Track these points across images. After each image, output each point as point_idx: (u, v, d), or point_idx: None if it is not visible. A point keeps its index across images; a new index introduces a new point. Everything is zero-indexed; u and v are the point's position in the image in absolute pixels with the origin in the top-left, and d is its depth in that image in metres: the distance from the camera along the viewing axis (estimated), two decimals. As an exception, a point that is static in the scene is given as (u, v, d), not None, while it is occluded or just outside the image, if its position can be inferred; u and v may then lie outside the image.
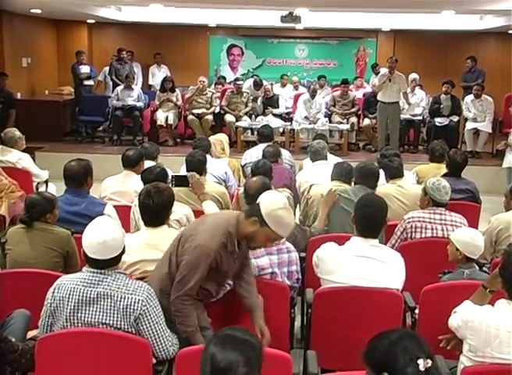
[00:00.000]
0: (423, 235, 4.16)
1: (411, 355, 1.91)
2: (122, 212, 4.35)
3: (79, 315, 2.68)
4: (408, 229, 4.21)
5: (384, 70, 9.67)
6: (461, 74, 10.92)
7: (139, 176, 4.69)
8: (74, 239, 3.67)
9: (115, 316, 2.66)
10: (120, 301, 2.65)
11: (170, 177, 4.35)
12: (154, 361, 2.74)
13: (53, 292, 2.74)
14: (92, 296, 2.67)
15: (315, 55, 13.54)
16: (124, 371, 2.66)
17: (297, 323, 4.05)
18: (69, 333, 2.71)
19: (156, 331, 2.70)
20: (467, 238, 3.43)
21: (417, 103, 10.22)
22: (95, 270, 2.71)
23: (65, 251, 3.61)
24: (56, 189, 5.99)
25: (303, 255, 3.98)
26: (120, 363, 2.64)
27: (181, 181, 4.53)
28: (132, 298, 2.65)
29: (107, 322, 2.66)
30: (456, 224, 4.14)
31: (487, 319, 2.53)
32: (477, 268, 3.45)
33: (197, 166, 4.82)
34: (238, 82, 10.37)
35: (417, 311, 3.47)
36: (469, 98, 9.79)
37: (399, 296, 3.21)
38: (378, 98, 9.34)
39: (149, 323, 2.68)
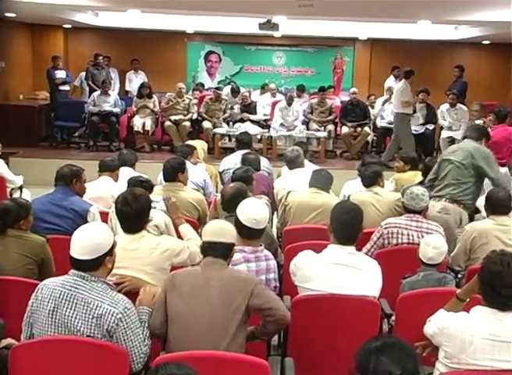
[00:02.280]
0: (399, 241, 4.22)
1: (383, 369, 1.92)
2: (100, 217, 4.35)
3: (56, 316, 2.66)
4: (385, 235, 4.26)
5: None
6: (449, 84, 11.05)
7: (115, 181, 4.71)
8: (55, 241, 3.66)
9: (89, 323, 2.64)
10: (96, 309, 2.63)
11: None
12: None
13: (36, 292, 2.74)
14: (70, 299, 2.66)
15: (293, 63, 13.60)
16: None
17: (274, 331, 4.05)
18: (43, 341, 2.69)
19: (131, 343, 2.68)
20: (423, 244, 3.69)
21: (393, 111, 10.32)
22: (79, 273, 2.71)
23: (39, 259, 3.58)
24: (31, 195, 5.92)
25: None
26: (96, 372, 2.61)
27: (171, 176, 4.67)
28: (107, 309, 2.64)
29: (81, 329, 2.64)
30: (431, 232, 4.20)
31: (462, 326, 2.56)
32: (433, 271, 3.62)
33: (170, 172, 4.83)
34: (218, 91, 10.36)
35: (393, 318, 3.51)
36: (444, 106, 9.93)
37: (376, 303, 3.23)
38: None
39: (123, 336, 2.66)
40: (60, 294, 2.67)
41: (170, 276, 2.93)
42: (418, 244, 3.92)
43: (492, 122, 6.41)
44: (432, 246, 3.66)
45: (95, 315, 2.63)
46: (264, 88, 11.74)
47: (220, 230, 2.98)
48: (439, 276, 3.58)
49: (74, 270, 2.73)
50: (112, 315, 2.63)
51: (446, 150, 5.87)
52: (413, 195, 4.28)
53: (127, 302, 2.72)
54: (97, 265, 2.74)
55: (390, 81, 11.17)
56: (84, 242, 2.73)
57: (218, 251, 2.90)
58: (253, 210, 3.37)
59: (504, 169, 6.05)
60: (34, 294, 2.75)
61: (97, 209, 4.43)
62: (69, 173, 4.44)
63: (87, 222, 4.08)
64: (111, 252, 2.82)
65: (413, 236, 4.21)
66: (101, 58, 11.42)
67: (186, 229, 3.88)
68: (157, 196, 4.31)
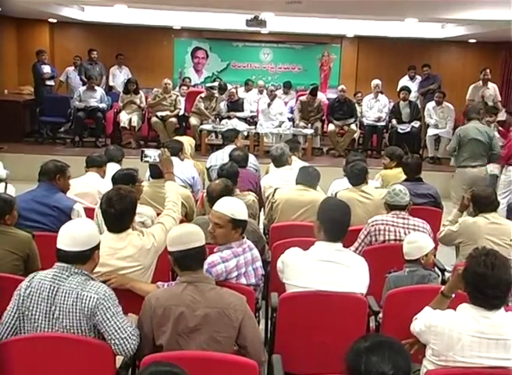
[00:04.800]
0: (386, 238, 4.26)
1: (375, 369, 1.92)
2: (86, 213, 4.32)
3: (45, 311, 2.66)
4: (372, 232, 4.29)
5: None
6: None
7: (102, 177, 4.65)
8: (40, 237, 3.64)
9: (72, 314, 2.64)
10: (77, 298, 2.65)
11: (141, 153, 4.22)
12: (118, 365, 2.71)
13: (21, 287, 2.73)
14: (58, 293, 2.66)
15: (280, 60, 13.57)
16: (87, 376, 2.62)
17: (262, 327, 4.05)
18: (30, 338, 2.67)
19: (114, 328, 2.67)
20: (404, 242, 3.74)
21: (380, 109, 10.37)
22: (62, 265, 2.71)
23: (25, 255, 3.55)
24: (15, 191, 5.86)
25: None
26: (84, 368, 2.60)
27: (158, 173, 4.49)
28: (87, 295, 2.65)
29: (63, 321, 2.65)
30: (418, 228, 4.24)
31: (449, 323, 2.57)
32: (419, 268, 3.63)
33: (156, 169, 4.77)
34: (212, 89, 10.29)
35: (380, 315, 3.51)
36: (431, 105, 9.99)
37: (363, 300, 3.23)
38: None
39: (104, 320, 2.66)
40: (47, 289, 2.67)
41: (151, 302, 2.76)
42: None
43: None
44: (407, 241, 3.71)
45: (76, 303, 2.64)
46: (247, 84, 11.70)
47: (190, 234, 2.88)
48: (424, 273, 3.60)
49: (59, 263, 2.74)
50: (92, 298, 2.65)
51: None
52: (396, 191, 4.37)
53: (108, 290, 2.73)
54: (86, 257, 2.76)
55: (404, 81, 11.22)
56: (75, 234, 2.75)
57: (196, 261, 2.83)
58: (232, 206, 3.35)
59: None
60: (21, 289, 2.72)
61: (81, 206, 4.37)
62: (53, 169, 4.37)
63: (70, 219, 4.02)
64: (99, 246, 2.84)
65: (400, 232, 4.24)
66: (95, 53, 11.34)
67: (170, 186, 3.87)
68: (152, 150, 4.22)
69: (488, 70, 9.79)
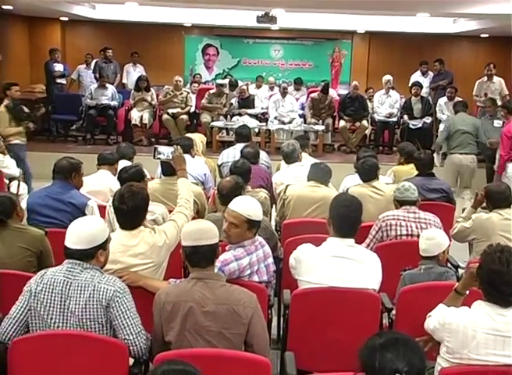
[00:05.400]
0: (398, 232, 4.23)
1: (389, 365, 1.89)
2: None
3: (59, 306, 2.68)
4: (383, 227, 4.27)
5: None
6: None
7: (114, 175, 4.65)
8: (53, 234, 3.66)
9: (93, 307, 2.67)
10: (94, 291, 2.67)
11: (154, 150, 4.21)
12: (131, 363, 2.71)
13: (31, 284, 2.74)
14: (71, 287, 2.68)
15: (290, 56, 13.53)
16: (100, 373, 2.61)
17: (274, 324, 4.04)
18: (43, 335, 2.68)
19: (127, 323, 2.69)
20: (422, 238, 3.67)
21: (391, 105, 10.31)
22: (74, 261, 2.74)
23: (38, 251, 3.57)
24: (28, 189, 5.91)
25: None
26: (96, 366, 2.60)
27: (170, 170, 4.48)
28: (103, 287, 2.68)
29: (86, 316, 2.66)
30: (429, 222, 4.24)
31: (464, 321, 2.54)
32: (435, 265, 3.58)
33: (168, 166, 4.76)
34: (222, 87, 10.26)
35: (393, 312, 3.49)
36: (442, 100, 9.92)
37: (376, 297, 3.21)
38: None
39: (119, 313, 2.68)
40: (61, 284, 2.69)
41: (161, 298, 2.76)
42: (418, 236, 3.92)
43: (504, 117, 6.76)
44: (426, 238, 3.65)
45: (93, 295, 2.66)
46: (257, 80, 11.68)
47: (202, 231, 2.86)
48: (441, 271, 3.54)
49: (68, 259, 2.76)
50: (109, 290, 2.68)
51: None
52: (406, 187, 4.38)
53: (123, 284, 2.77)
54: (89, 256, 2.76)
55: (416, 76, 11.15)
56: (79, 232, 2.77)
57: (205, 259, 2.80)
58: (249, 206, 3.31)
59: None
60: (32, 285, 2.73)
61: (95, 203, 4.39)
62: (68, 167, 4.36)
63: (85, 215, 4.04)
64: (104, 246, 2.84)
65: (411, 227, 4.23)
66: (110, 51, 11.35)
67: (183, 183, 3.85)
68: (165, 147, 4.21)
69: (491, 65, 9.85)
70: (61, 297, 2.68)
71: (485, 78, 9.84)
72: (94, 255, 2.78)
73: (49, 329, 2.69)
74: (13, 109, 7.60)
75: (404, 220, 4.26)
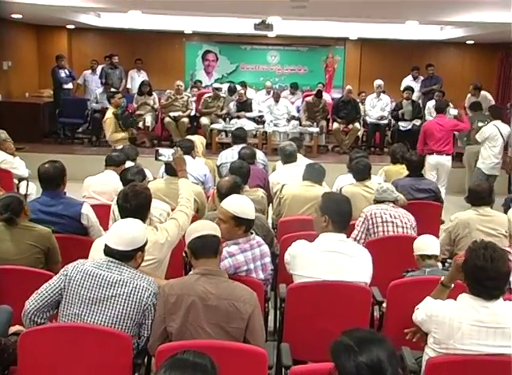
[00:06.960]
0: (383, 219, 4.33)
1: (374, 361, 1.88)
2: (102, 210, 4.31)
3: (94, 297, 2.69)
4: (368, 216, 4.37)
5: None
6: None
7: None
8: (55, 239, 3.64)
9: (129, 305, 2.70)
10: (135, 288, 2.71)
11: (155, 152, 4.17)
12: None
13: (69, 269, 2.75)
14: (111, 281, 2.70)
15: (286, 61, 13.55)
16: (105, 365, 2.62)
17: (271, 317, 4.05)
18: (51, 328, 2.69)
19: (151, 323, 2.76)
20: (423, 237, 3.70)
21: (382, 108, 10.33)
22: (113, 260, 2.76)
23: (46, 248, 3.56)
24: (36, 188, 5.89)
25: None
26: (102, 357, 2.60)
27: (173, 170, 4.45)
28: (143, 286, 2.72)
29: (122, 311, 2.69)
30: (407, 215, 4.40)
31: (450, 313, 2.56)
32: (439, 267, 3.55)
33: (170, 167, 4.76)
34: (217, 91, 10.25)
35: (384, 305, 3.50)
36: (431, 103, 9.92)
37: (367, 290, 3.22)
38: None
39: (151, 314, 2.75)
40: (100, 276, 2.71)
41: (165, 290, 2.74)
42: (401, 222, 4.15)
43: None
44: (421, 238, 3.70)
45: (134, 292, 2.70)
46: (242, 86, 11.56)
47: (206, 225, 2.93)
48: (444, 273, 3.49)
49: (108, 257, 2.78)
50: (147, 290, 2.73)
51: None
52: (384, 188, 4.51)
53: (156, 284, 2.81)
54: (129, 257, 2.79)
55: (407, 81, 11.15)
56: (122, 233, 2.80)
57: (209, 247, 2.82)
58: (236, 204, 3.32)
59: None
60: (63, 274, 2.74)
61: (90, 209, 4.11)
62: (54, 174, 4.03)
63: (81, 224, 4.03)
64: (143, 248, 2.87)
65: (394, 216, 4.35)
66: (116, 58, 11.33)
67: (184, 183, 3.85)
68: (166, 149, 4.19)
69: (471, 86, 10.01)
70: (99, 288, 2.69)
71: (471, 94, 9.99)
72: (133, 256, 2.80)
73: (75, 317, 2.70)
74: (120, 116, 7.60)
75: (386, 210, 4.38)
